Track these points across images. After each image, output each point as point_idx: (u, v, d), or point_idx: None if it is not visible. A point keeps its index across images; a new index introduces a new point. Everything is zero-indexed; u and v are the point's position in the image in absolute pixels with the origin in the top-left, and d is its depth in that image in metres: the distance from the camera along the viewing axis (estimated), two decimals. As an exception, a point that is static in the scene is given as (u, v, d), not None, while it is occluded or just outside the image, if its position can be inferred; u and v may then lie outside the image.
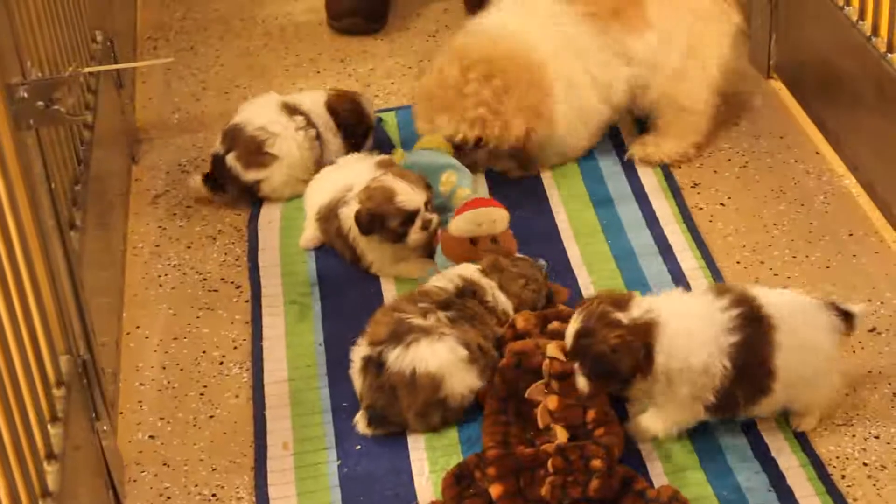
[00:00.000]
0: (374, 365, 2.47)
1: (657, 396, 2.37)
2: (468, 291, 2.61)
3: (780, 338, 2.34)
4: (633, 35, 3.13)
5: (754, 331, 2.33)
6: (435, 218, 2.85)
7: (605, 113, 3.20)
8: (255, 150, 3.08)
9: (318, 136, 3.14)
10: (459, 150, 3.10)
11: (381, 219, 2.81)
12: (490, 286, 2.63)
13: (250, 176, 3.10)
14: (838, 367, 2.44)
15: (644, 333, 2.29)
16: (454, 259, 2.79)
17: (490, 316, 2.60)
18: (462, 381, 2.48)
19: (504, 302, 2.64)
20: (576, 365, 2.32)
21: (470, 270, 2.66)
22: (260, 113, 3.12)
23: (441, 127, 3.08)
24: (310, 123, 3.13)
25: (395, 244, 2.85)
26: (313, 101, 3.20)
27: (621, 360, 2.28)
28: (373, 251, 2.89)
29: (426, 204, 2.83)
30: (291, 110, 3.13)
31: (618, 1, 3.13)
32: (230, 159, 3.09)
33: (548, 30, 3.13)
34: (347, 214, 2.86)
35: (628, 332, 2.28)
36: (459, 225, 2.81)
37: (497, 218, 2.82)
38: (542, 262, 2.80)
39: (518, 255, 2.78)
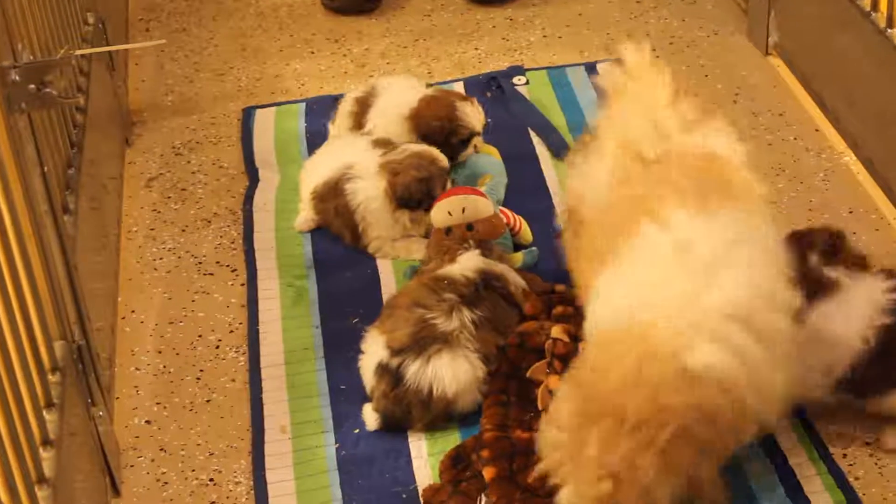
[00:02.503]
0: (391, 375, 2.43)
1: None
2: (490, 279, 2.55)
3: (826, 309, 2.32)
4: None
5: (824, 288, 2.36)
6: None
7: None
8: (364, 102, 3.15)
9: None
10: None
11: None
12: (506, 270, 2.60)
13: (345, 107, 3.18)
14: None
15: None
16: (430, 252, 2.75)
17: (513, 312, 2.56)
18: (474, 399, 2.46)
19: (521, 282, 2.62)
20: None
21: (477, 261, 2.59)
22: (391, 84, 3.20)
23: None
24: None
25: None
26: (399, 102, 3.11)
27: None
28: (379, 227, 2.88)
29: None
30: (361, 99, 3.17)
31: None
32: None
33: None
34: (355, 189, 2.86)
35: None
36: (433, 215, 2.80)
37: (468, 206, 2.77)
38: (534, 249, 2.83)
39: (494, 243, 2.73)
